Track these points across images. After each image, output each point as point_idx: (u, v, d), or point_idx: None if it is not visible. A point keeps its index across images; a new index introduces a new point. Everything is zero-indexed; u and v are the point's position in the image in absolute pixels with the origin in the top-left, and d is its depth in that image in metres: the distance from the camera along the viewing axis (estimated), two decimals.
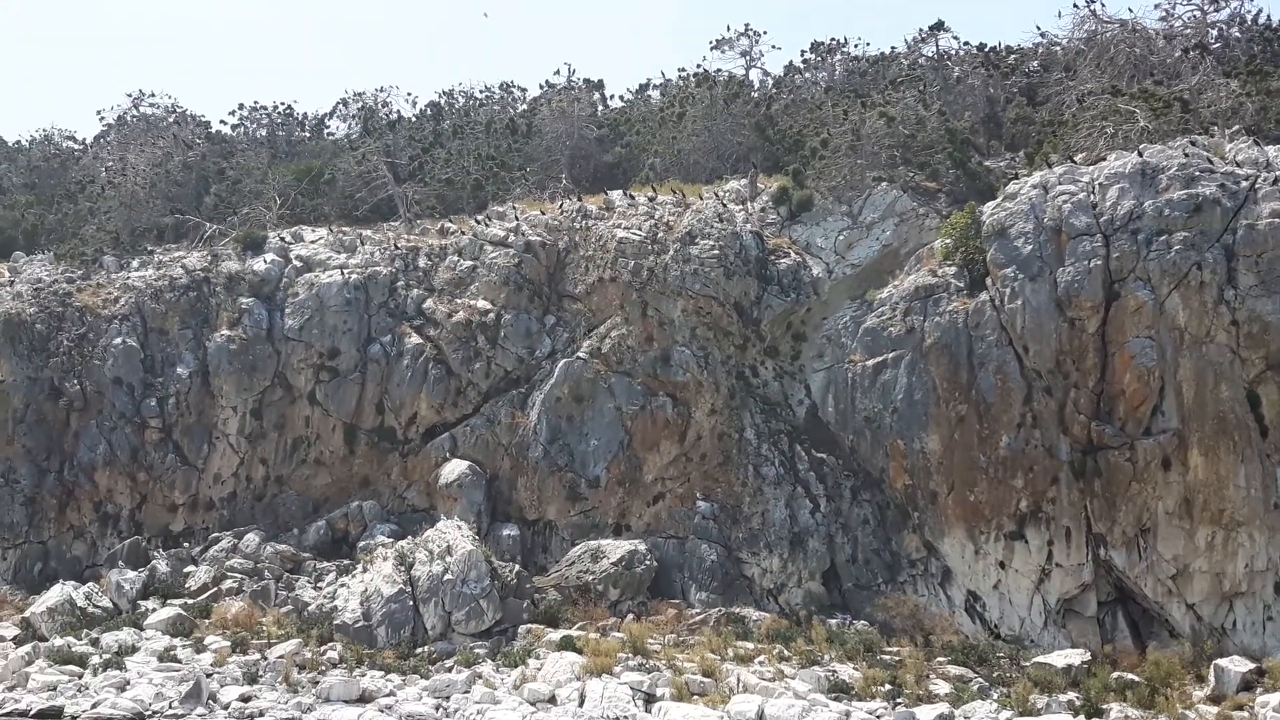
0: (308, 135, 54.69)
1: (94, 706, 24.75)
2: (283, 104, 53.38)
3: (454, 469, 33.22)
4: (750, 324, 32.93)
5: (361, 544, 32.48)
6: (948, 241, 31.35)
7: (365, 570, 30.51)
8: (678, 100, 42.05)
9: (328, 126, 56.46)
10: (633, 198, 36.28)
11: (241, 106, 52.69)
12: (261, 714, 24.79)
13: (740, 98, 40.50)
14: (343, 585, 30.45)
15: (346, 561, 32.38)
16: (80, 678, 26.76)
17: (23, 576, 34.90)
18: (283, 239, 38.77)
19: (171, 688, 25.65)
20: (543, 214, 37.08)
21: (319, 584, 31.56)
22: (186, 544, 33.96)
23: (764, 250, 33.54)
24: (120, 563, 32.46)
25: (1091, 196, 29.45)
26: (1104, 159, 30.69)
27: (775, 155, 38.36)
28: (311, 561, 32.73)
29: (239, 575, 31.97)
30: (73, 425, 36.28)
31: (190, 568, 32.63)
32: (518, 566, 30.51)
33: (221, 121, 52.77)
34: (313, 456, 35.50)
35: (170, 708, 24.82)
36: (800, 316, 32.96)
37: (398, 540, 31.99)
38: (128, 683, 26.23)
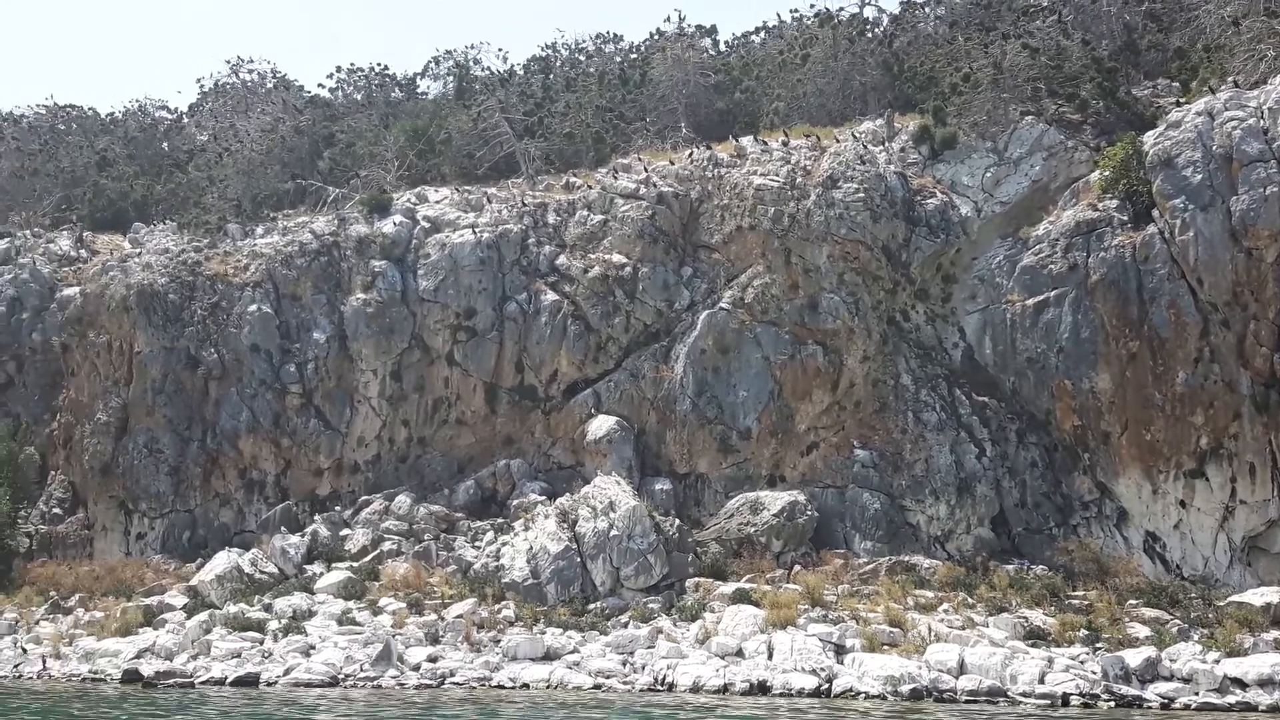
0: (403, 96, 54.36)
1: (287, 673, 24.85)
2: (380, 65, 53.01)
3: (602, 424, 32.96)
4: (899, 267, 32.28)
5: (516, 502, 32.36)
6: (1106, 174, 30.45)
7: (527, 528, 30.40)
8: (798, 42, 41.13)
9: (418, 86, 56.17)
10: (765, 143, 35.57)
11: (339, 69, 52.40)
12: (452, 674, 24.79)
13: (865, 36, 39.51)
14: (506, 544, 30.34)
15: (501, 520, 32.30)
16: (261, 643, 26.92)
17: (171, 545, 35.22)
18: (409, 201, 38.49)
19: (358, 650, 25.74)
20: (671, 164, 36.49)
21: (476, 543, 31.51)
22: (338, 507, 34.01)
23: (909, 191, 32.80)
24: (283, 528, 32.61)
25: (1262, 121, 28.44)
26: (1263, 83, 29.63)
27: (904, 94, 37.47)
28: (465, 521, 32.68)
29: (395, 537, 32.04)
30: (212, 394, 36.39)
31: (345, 531, 32.74)
32: (677, 520, 30.27)
33: (319, 85, 52.63)
34: (454, 417, 35.40)
35: (362, 670, 24.88)
36: (950, 257, 32.24)
37: (549, 497, 31.96)
38: (312, 647, 26.35)
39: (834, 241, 32.42)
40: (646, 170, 36.28)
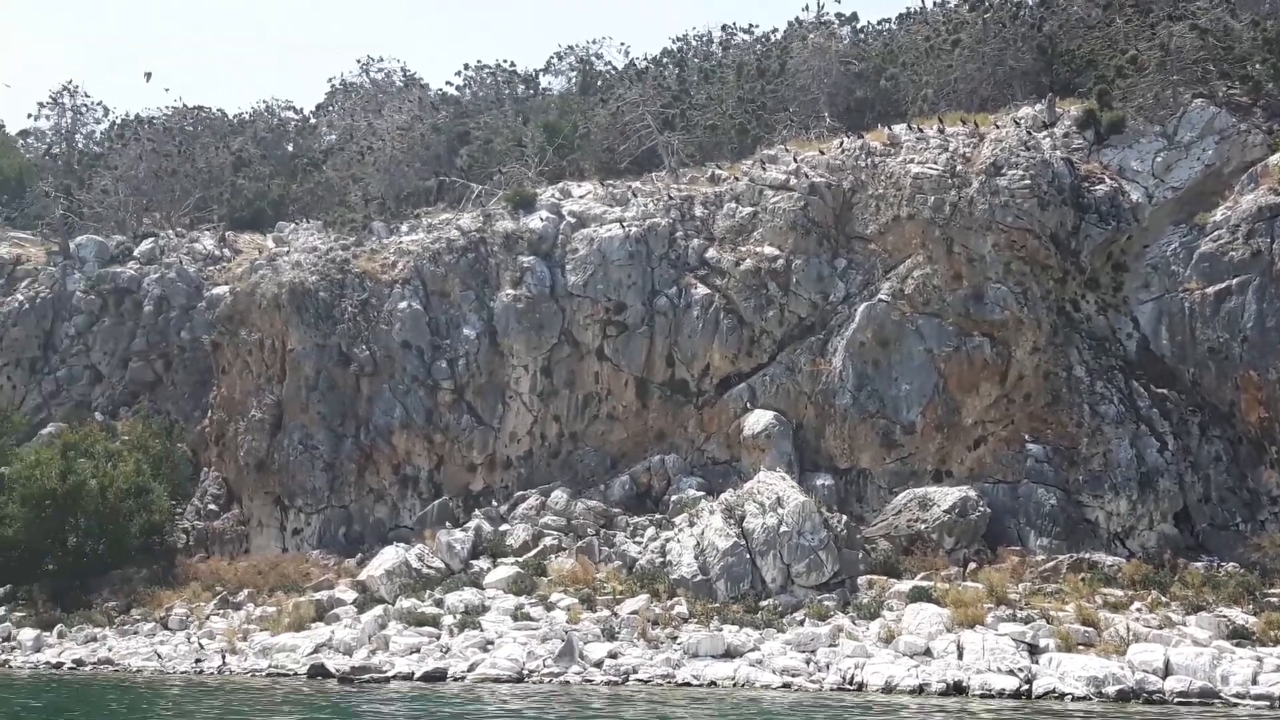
0: (527, 92, 54.54)
1: (471, 669, 24.83)
2: (506, 61, 53.19)
3: (759, 419, 32.57)
4: (1068, 256, 31.43)
5: (675, 498, 32.12)
6: None
7: (692, 524, 30.15)
8: (946, 27, 40.31)
9: (540, 82, 56.31)
10: (921, 131, 34.88)
11: (466, 66, 52.68)
12: (634, 670, 24.58)
13: (1017, 19, 38.59)
14: (671, 540, 30.11)
15: (659, 515, 32.12)
16: (438, 638, 26.97)
17: (328, 540, 35.54)
18: (553, 196, 38.44)
19: (537, 646, 25.66)
20: (821, 154, 35.93)
21: (636, 538, 31.33)
22: (494, 502, 34.07)
23: (1076, 177, 31.92)
24: (447, 524, 32.72)
25: None
26: None
27: (1060, 78, 36.55)
28: (622, 517, 32.54)
29: (555, 532, 32.00)
30: (364, 390, 36.66)
31: (504, 526, 32.77)
32: (844, 516, 29.78)
33: (446, 83, 52.96)
34: (605, 412, 35.25)
35: (544, 666, 24.79)
36: (1120, 245, 31.34)
37: (706, 493, 31.73)
38: (489, 642, 26.34)
39: (999, 230, 31.65)
40: (796, 161, 35.78)
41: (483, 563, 30.92)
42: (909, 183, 33.30)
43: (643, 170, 40.34)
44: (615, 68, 53.95)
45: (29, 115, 68.64)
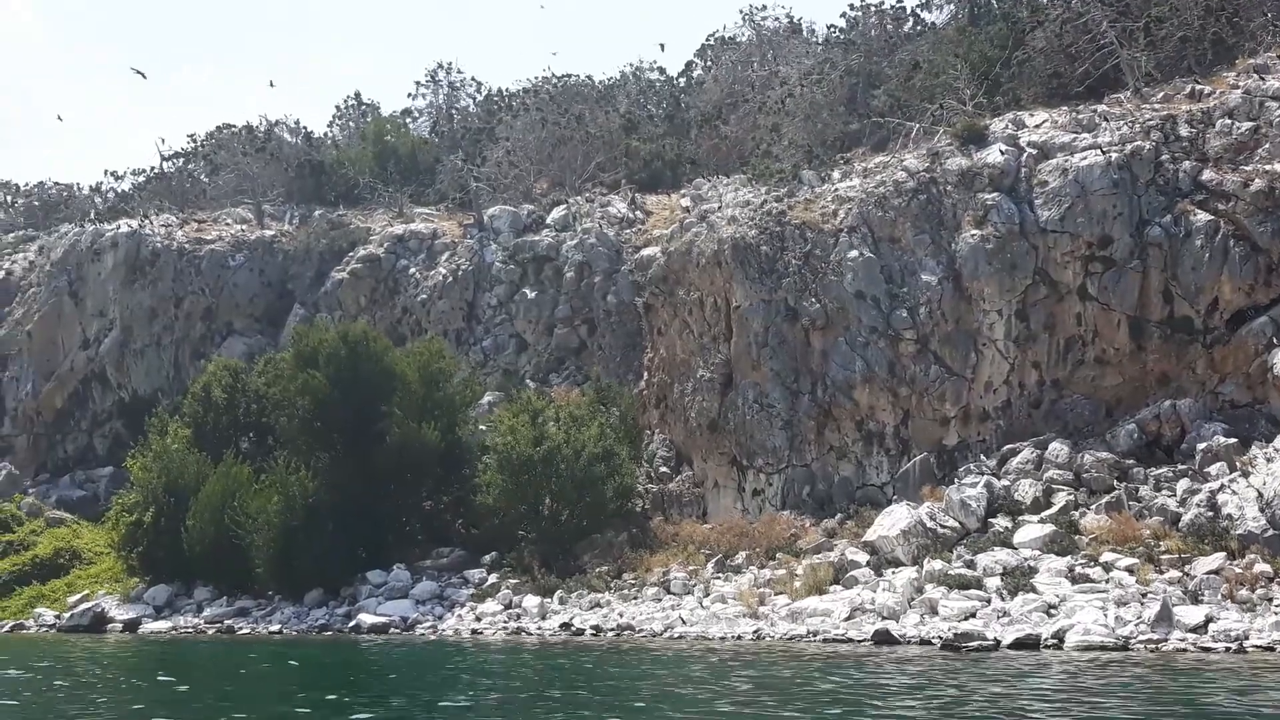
0: (916, 29, 51.75)
1: (1058, 636, 22.86)
2: None
3: None
4: None
5: (1202, 446, 29.00)
6: None
7: (1246, 474, 27.09)
8: None
9: (917, 16, 53.32)
10: None
11: (851, 6, 50.36)
12: (1245, 636, 21.98)
13: None
14: (1220, 491, 27.13)
15: (1181, 466, 29.16)
16: (988, 602, 25.11)
17: (792, 501, 34.32)
18: (1007, 127, 35.72)
19: (1114, 610, 23.37)
20: None
21: (1163, 491, 28.51)
22: (982, 456, 31.89)
23: None
24: (958, 481, 30.80)
25: None
26: None
27: None
28: (1137, 468, 29.74)
29: (1064, 487, 29.55)
30: (814, 344, 35.15)
31: (1003, 481, 30.55)
32: None
33: (829, 26, 50.94)
34: (1091, 356, 32.43)
35: (1139, 632, 22.48)
36: None
37: (1237, 440, 28.54)
38: (1051, 607, 24.30)
39: None
40: None
41: (1002, 521, 28.78)
42: None
43: (1094, 94, 37.03)
44: None
45: (408, 95, 71.64)
